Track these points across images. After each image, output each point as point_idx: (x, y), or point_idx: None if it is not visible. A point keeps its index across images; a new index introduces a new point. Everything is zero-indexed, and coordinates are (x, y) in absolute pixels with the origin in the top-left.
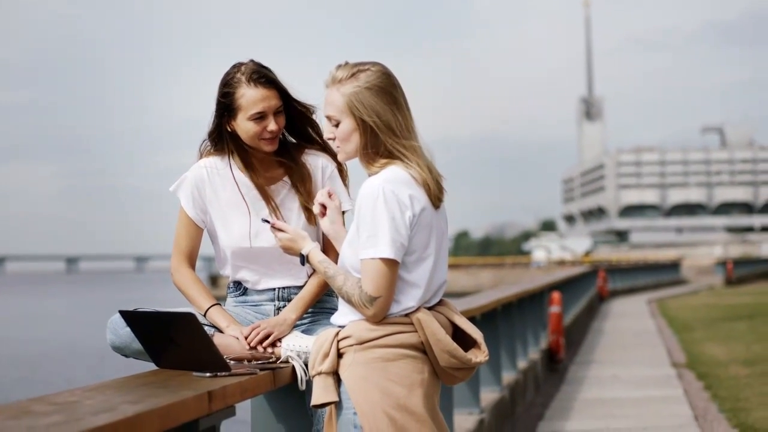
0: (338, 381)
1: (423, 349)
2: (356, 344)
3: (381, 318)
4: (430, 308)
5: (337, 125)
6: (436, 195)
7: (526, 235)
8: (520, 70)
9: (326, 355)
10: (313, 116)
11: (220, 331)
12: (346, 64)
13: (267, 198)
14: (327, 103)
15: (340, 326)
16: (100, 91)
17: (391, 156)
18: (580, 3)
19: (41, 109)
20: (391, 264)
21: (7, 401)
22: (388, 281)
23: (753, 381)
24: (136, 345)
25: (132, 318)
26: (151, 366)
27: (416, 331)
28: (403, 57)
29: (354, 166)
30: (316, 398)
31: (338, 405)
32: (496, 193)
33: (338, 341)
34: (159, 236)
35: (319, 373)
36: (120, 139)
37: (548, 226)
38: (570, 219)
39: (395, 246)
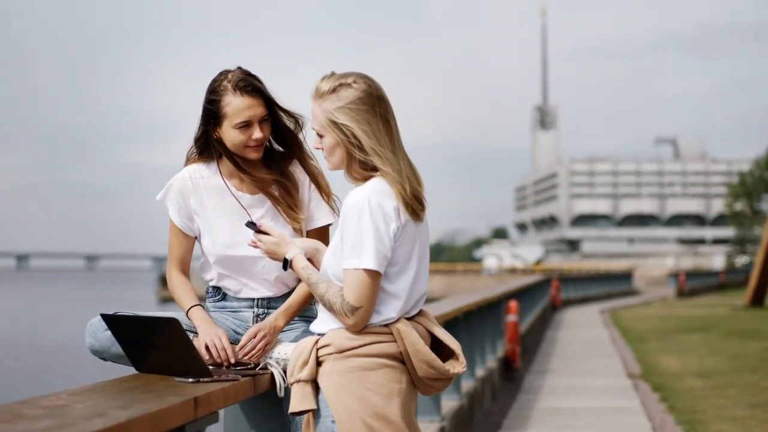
0: (317, 389)
1: (401, 359)
2: (335, 353)
3: (361, 328)
4: (409, 319)
5: (321, 139)
6: (414, 208)
7: (478, 242)
8: (474, 76)
9: (305, 363)
10: (302, 126)
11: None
12: (332, 75)
13: (252, 206)
14: (312, 116)
15: (319, 334)
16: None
17: (373, 169)
18: (536, 10)
19: None
20: (374, 275)
21: None
22: (370, 292)
23: (709, 393)
24: (116, 349)
25: (113, 322)
26: (130, 370)
27: (395, 341)
28: (355, 55)
29: (339, 175)
30: (294, 406)
31: (316, 413)
32: (448, 199)
33: (317, 349)
34: (110, 235)
35: (298, 381)
36: (74, 134)
37: (500, 234)
38: (522, 227)
39: (378, 257)
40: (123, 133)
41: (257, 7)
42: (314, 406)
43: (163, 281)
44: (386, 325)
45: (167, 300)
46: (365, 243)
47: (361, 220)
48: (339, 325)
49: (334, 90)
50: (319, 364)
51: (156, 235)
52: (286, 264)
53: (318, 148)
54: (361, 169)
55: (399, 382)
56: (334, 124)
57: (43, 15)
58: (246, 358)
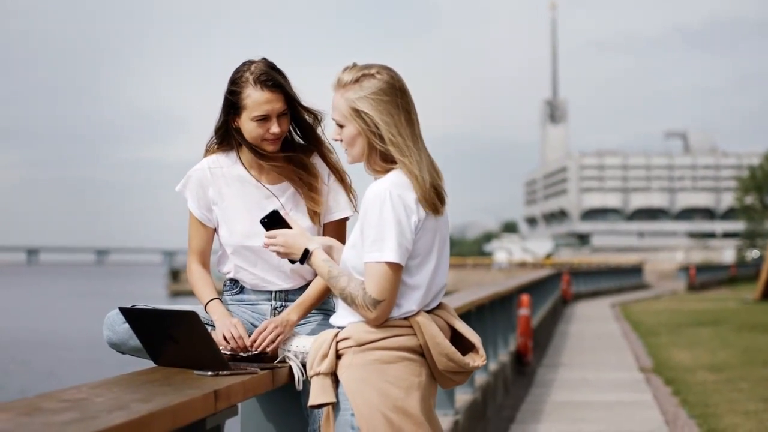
0: (336, 382)
1: (421, 352)
2: (355, 346)
3: (383, 321)
4: (429, 312)
5: (342, 130)
6: (434, 202)
7: (488, 237)
8: (484, 71)
9: (325, 356)
10: (321, 123)
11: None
12: (354, 66)
13: (272, 196)
14: (333, 107)
15: (339, 327)
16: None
17: (394, 162)
18: (546, 6)
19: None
20: (396, 268)
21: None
22: (392, 285)
23: (721, 387)
24: (133, 342)
25: (131, 315)
26: (147, 363)
27: (415, 334)
28: (365, 53)
29: (359, 169)
30: (313, 398)
31: (336, 406)
32: (458, 194)
33: (337, 342)
34: (120, 229)
35: (317, 374)
36: (82, 130)
37: (510, 228)
38: (532, 221)
39: (401, 250)
40: (132, 128)
41: (265, 4)
42: (334, 399)
43: (174, 275)
44: (406, 318)
45: (178, 294)
46: (387, 236)
47: (382, 212)
48: (359, 318)
49: (357, 80)
50: (338, 357)
51: (166, 230)
52: (305, 257)
53: (337, 140)
54: (382, 161)
55: (419, 375)
56: (356, 113)
57: (48, 12)
58: (259, 350)
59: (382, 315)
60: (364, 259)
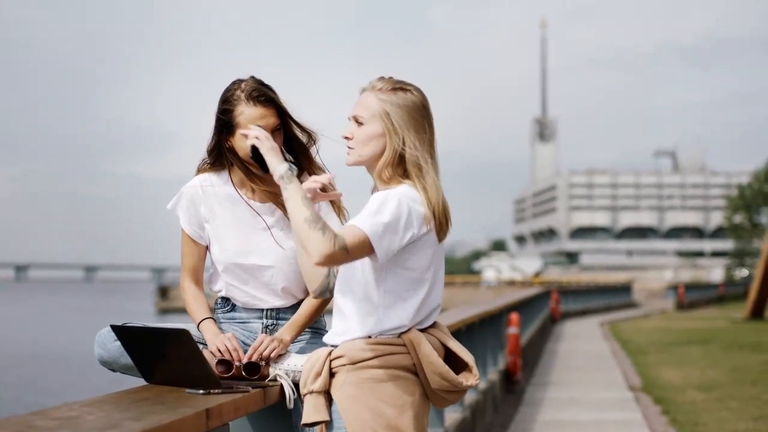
0: (329, 400)
1: (415, 371)
2: (349, 364)
3: (327, 265)
4: (422, 330)
5: (359, 127)
6: (441, 221)
7: (477, 255)
8: (474, 89)
9: (318, 374)
10: (315, 141)
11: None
12: (390, 78)
13: (263, 213)
14: (359, 104)
15: (332, 346)
16: (55, 94)
17: (405, 176)
18: (537, 23)
19: None
20: (368, 247)
21: None
22: (361, 250)
23: (710, 406)
24: (125, 360)
25: (123, 333)
26: (138, 381)
27: (408, 353)
28: (352, 66)
29: (354, 186)
30: (307, 417)
31: (329, 424)
32: None
33: (331, 361)
34: (109, 246)
35: (311, 392)
36: (71, 144)
37: (499, 246)
38: (521, 239)
39: (384, 239)
40: (122, 143)
41: (257, 17)
42: (327, 418)
43: (163, 292)
44: (399, 336)
45: (166, 311)
46: (378, 219)
47: (386, 204)
48: (352, 336)
49: (393, 89)
50: (332, 375)
51: (155, 246)
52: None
53: (347, 138)
54: (393, 170)
55: (412, 393)
56: (387, 116)
57: (43, 24)
58: (254, 359)
59: (333, 260)
60: (348, 222)
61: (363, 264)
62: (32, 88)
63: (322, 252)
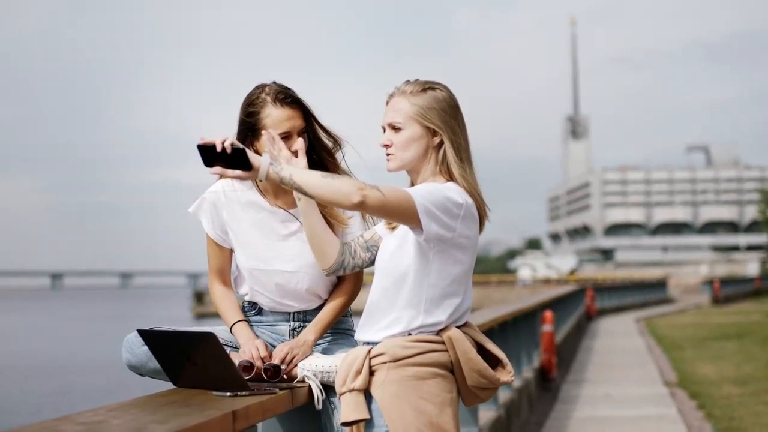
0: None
1: (451, 368)
2: (390, 362)
3: (362, 201)
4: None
5: (397, 133)
6: (483, 216)
7: (512, 254)
8: (505, 89)
9: (358, 372)
10: (341, 146)
11: (235, 349)
12: (416, 80)
13: (288, 219)
14: (391, 110)
15: (366, 343)
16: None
17: (449, 175)
18: (566, 21)
19: (24, 122)
20: (411, 206)
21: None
22: (395, 203)
23: (746, 400)
24: (153, 364)
25: (150, 337)
26: (167, 385)
27: (446, 350)
28: (384, 73)
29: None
30: (346, 415)
31: (368, 423)
32: None
33: (371, 358)
34: (144, 252)
35: (351, 390)
36: (103, 154)
37: (533, 245)
38: (555, 237)
39: (429, 211)
40: (156, 150)
41: (279, 24)
42: (368, 416)
43: (199, 297)
44: (438, 333)
45: (203, 316)
46: (433, 198)
47: (440, 189)
48: (392, 333)
49: (423, 90)
50: (371, 373)
51: (190, 252)
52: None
53: (387, 145)
54: (437, 169)
55: (450, 391)
56: (423, 117)
57: (73, 37)
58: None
59: (370, 197)
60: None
61: (408, 258)
62: (63, 99)
63: (357, 185)
